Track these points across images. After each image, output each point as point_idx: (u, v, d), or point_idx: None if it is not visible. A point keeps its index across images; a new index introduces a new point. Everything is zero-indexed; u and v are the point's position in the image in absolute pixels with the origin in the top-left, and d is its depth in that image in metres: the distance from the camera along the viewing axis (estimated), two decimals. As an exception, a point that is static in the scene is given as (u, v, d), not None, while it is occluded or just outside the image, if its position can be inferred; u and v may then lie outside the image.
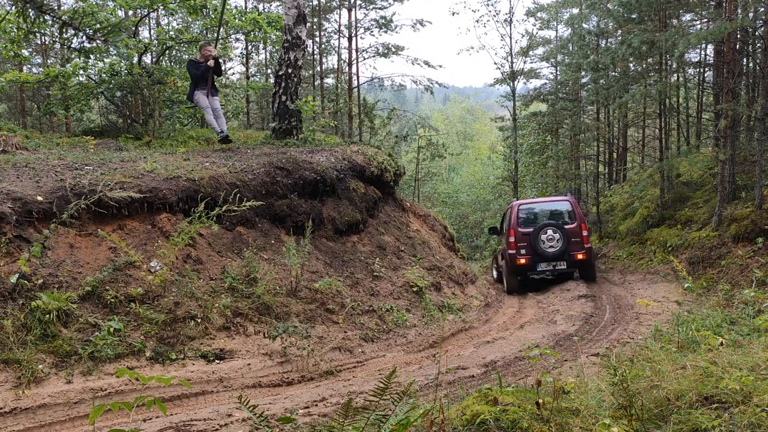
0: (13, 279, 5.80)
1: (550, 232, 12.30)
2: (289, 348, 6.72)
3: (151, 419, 4.96)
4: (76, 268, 6.45)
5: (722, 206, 12.77)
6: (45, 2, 4.39)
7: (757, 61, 15.37)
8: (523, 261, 12.46)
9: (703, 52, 20.36)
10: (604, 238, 18.97)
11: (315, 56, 26.20)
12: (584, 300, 11.08)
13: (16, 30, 13.11)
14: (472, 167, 43.48)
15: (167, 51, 16.23)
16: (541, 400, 3.15)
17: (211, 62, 10.64)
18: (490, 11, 46.85)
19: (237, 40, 22.34)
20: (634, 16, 15.85)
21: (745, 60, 16.20)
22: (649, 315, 9.15)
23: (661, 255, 14.18)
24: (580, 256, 12.38)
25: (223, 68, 12.07)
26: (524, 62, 28.07)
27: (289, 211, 9.03)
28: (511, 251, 12.57)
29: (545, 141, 26.83)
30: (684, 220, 14.68)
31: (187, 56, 17.34)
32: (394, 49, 25.38)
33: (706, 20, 16.69)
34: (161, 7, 14.63)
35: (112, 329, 5.94)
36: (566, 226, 12.45)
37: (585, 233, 12.58)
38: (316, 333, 7.27)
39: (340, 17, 28.19)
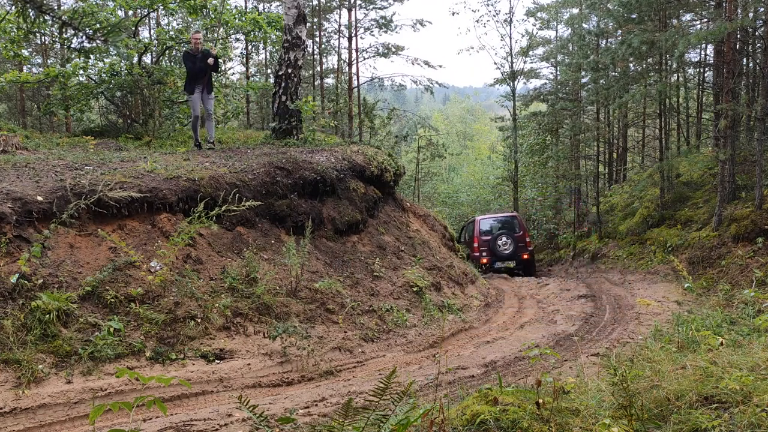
0: (13, 279, 5.80)
1: (504, 238, 16.37)
2: (289, 348, 6.73)
3: (151, 419, 4.96)
4: (76, 268, 6.45)
5: (722, 206, 12.77)
6: (45, 2, 4.39)
7: (757, 61, 15.37)
8: (485, 260, 16.30)
9: (703, 52, 20.36)
10: (604, 238, 18.96)
11: (315, 56, 26.19)
12: (584, 300, 11.09)
13: (16, 30, 13.12)
14: (472, 167, 43.44)
15: (167, 51, 16.23)
16: (541, 400, 3.15)
17: (210, 60, 10.63)
18: (490, 11, 46.87)
19: (237, 40, 22.35)
20: (634, 16, 15.85)
21: (745, 60, 16.21)
22: (649, 315, 9.15)
23: (661, 255, 14.18)
24: (525, 256, 16.46)
25: (221, 68, 12.11)
26: (524, 62, 28.08)
27: (289, 211, 9.03)
28: (475, 254, 16.32)
29: (545, 141, 26.79)
30: (684, 220, 14.69)
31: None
32: (394, 49, 25.37)
33: (706, 20, 16.69)
34: (161, 7, 14.63)
35: (112, 329, 5.94)
36: (515, 234, 16.56)
37: (528, 239, 16.97)
38: (316, 333, 7.27)
39: (340, 17, 28.21)
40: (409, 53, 58.64)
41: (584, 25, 22.52)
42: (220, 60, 11.80)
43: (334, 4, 25.89)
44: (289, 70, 11.97)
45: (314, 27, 24.67)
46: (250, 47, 23.76)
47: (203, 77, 10.74)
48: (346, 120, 24.36)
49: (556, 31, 29.30)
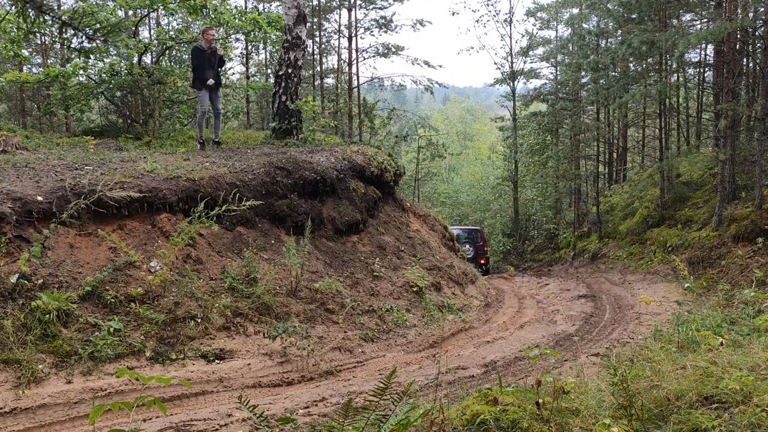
0: (13, 279, 5.80)
1: (467, 246, 19.03)
2: (289, 348, 6.73)
3: (151, 419, 4.96)
4: (76, 268, 6.45)
5: (722, 206, 12.77)
6: (45, 2, 4.39)
7: (757, 61, 15.37)
8: None
9: (703, 52, 20.37)
10: (604, 238, 18.96)
11: (315, 56, 26.19)
12: (584, 300, 11.09)
13: (16, 30, 13.11)
14: (472, 167, 43.42)
15: (167, 51, 16.22)
16: (541, 400, 3.15)
17: (211, 81, 10.60)
18: (490, 11, 46.93)
19: (237, 40, 22.35)
20: (634, 16, 15.85)
21: (745, 60, 16.21)
22: (649, 315, 9.16)
23: (661, 255, 14.18)
24: (482, 261, 19.55)
25: (225, 66, 12.13)
26: (524, 62, 28.09)
27: (289, 211, 9.03)
28: None
29: (545, 141, 26.79)
30: (684, 220, 14.69)
31: (187, 56, 17.33)
32: (394, 49, 25.36)
33: (706, 20, 16.69)
34: (161, 7, 14.63)
35: (112, 329, 5.94)
36: (476, 244, 19.67)
37: (486, 248, 20.32)
38: (316, 333, 7.27)
39: (340, 17, 28.22)
40: (409, 53, 58.65)
41: (584, 25, 22.53)
42: (225, 58, 11.83)
43: (334, 4, 25.88)
44: (289, 70, 11.97)
45: (314, 27, 24.67)
46: (250, 47, 23.75)
47: (211, 74, 10.71)
48: (346, 120, 24.35)
49: (556, 31, 29.33)
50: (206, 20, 15.19)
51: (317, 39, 25.65)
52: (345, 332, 7.60)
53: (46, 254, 6.34)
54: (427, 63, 25.67)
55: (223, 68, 11.55)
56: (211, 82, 10.57)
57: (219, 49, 10.92)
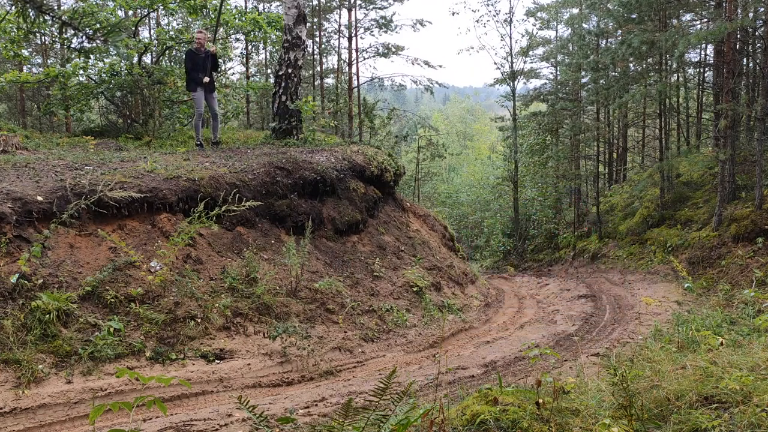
0: (13, 279, 5.80)
1: None
2: (289, 348, 6.73)
3: (151, 419, 4.96)
4: (76, 268, 6.45)
5: (722, 206, 12.77)
6: (45, 2, 4.38)
7: (757, 61, 15.38)
8: None
9: (703, 52, 20.36)
10: (604, 238, 18.96)
11: (315, 56, 26.18)
12: (584, 300, 11.09)
13: (16, 30, 13.11)
14: (472, 167, 43.37)
15: (167, 51, 16.22)
16: (541, 400, 3.14)
17: (206, 78, 10.61)
18: (490, 11, 46.90)
19: (237, 40, 22.34)
20: (634, 16, 15.85)
21: (745, 60, 16.21)
22: (649, 315, 9.16)
23: (661, 255, 14.18)
24: None
25: (221, 67, 12.12)
26: (524, 62, 28.03)
27: (289, 211, 9.03)
28: None
29: (545, 141, 26.77)
30: (684, 220, 14.69)
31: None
32: (394, 49, 25.34)
33: (706, 20, 16.69)
34: (161, 7, 14.63)
35: (112, 329, 5.94)
36: None
37: None
38: (316, 333, 7.27)
39: (340, 17, 28.22)
40: (409, 53, 58.61)
41: (584, 25, 22.51)
42: (219, 60, 11.82)
43: (334, 4, 25.87)
44: (289, 70, 11.97)
45: (314, 27, 24.66)
46: (250, 47, 23.74)
47: (205, 76, 10.73)
48: (346, 120, 24.35)
49: (556, 31, 29.30)
50: (206, 20, 15.19)
51: (317, 39, 25.64)
52: (345, 332, 7.60)
53: (46, 254, 6.34)
54: (427, 63, 25.64)
55: (217, 69, 11.55)
56: (206, 79, 10.58)
57: (212, 48, 10.91)
